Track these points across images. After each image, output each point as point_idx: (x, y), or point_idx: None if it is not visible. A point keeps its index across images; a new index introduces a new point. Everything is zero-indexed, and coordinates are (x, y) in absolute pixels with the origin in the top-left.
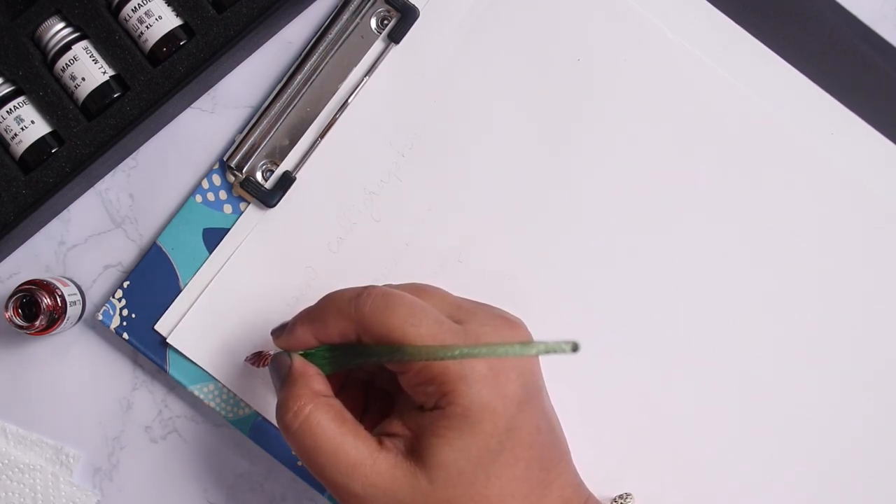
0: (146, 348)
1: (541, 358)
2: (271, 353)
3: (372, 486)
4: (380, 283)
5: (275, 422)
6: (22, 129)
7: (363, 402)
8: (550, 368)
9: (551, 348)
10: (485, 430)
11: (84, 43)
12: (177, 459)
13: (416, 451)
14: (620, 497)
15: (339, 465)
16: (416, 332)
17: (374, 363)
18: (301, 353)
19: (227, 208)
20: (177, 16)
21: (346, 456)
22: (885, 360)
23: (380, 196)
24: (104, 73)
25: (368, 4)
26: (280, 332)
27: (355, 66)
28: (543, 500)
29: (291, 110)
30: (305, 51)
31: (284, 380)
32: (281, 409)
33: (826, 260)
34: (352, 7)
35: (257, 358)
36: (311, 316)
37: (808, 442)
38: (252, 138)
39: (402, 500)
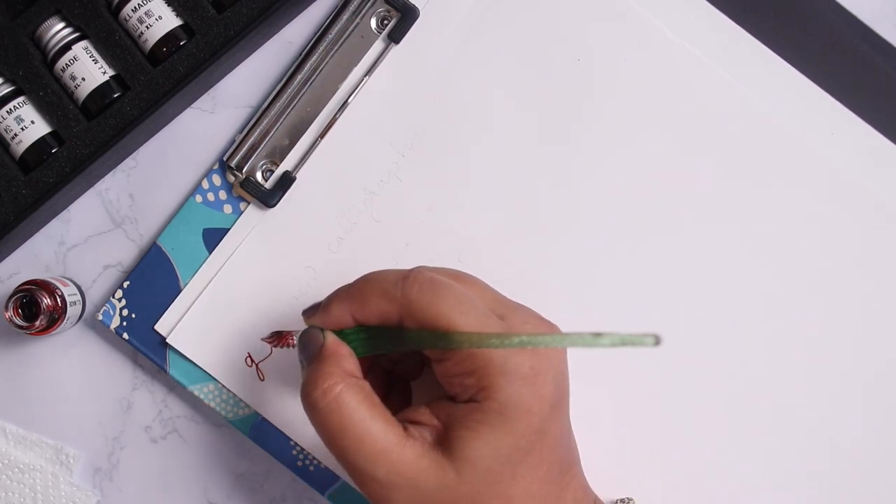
0: (146, 348)
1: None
2: (293, 332)
3: (396, 474)
4: None
5: (275, 422)
6: (22, 129)
7: (385, 390)
8: None
9: (629, 340)
10: (518, 428)
11: (84, 43)
12: (177, 459)
13: (444, 443)
14: (623, 501)
15: (365, 449)
16: (465, 320)
17: (412, 349)
18: (335, 332)
19: (227, 208)
20: (177, 16)
21: (373, 441)
22: (885, 360)
23: (380, 196)
24: (104, 73)
25: (368, 4)
26: (313, 311)
27: (355, 66)
28: (559, 501)
29: (291, 110)
30: (305, 51)
31: (314, 356)
32: (308, 385)
33: (826, 260)
34: (352, 7)
35: (277, 338)
36: (350, 294)
37: (808, 442)
38: (252, 138)
39: (426, 490)
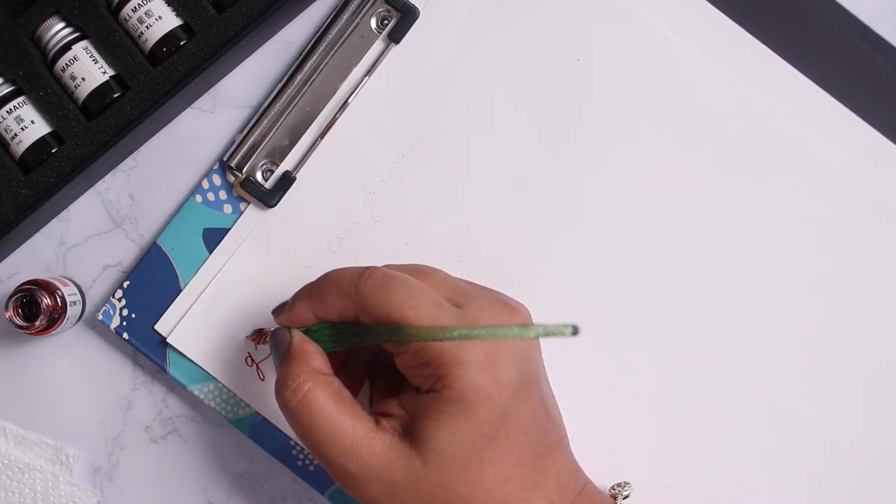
0: (146, 348)
1: (542, 347)
2: (272, 330)
3: (367, 467)
4: None
5: (275, 422)
6: (22, 129)
7: (364, 381)
8: (549, 360)
9: (550, 331)
10: (479, 415)
11: (84, 43)
12: (177, 459)
13: (411, 433)
14: (619, 485)
15: (336, 444)
16: (415, 314)
17: (373, 343)
18: (302, 329)
19: (227, 208)
20: (177, 16)
21: (342, 435)
22: (885, 360)
23: (380, 196)
24: (104, 73)
25: (368, 4)
26: (280, 310)
27: (355, 66)
28: (538, 485)
29: (291, 110)
30: (305, 51)
31: (283, 356)
32: (279, 385)
33: (826, 260)
34: (352, 7)
35: (258, 335)
36: (311, 293)
37: (808, 442)
38: (252, 138)
39: (397, 481)
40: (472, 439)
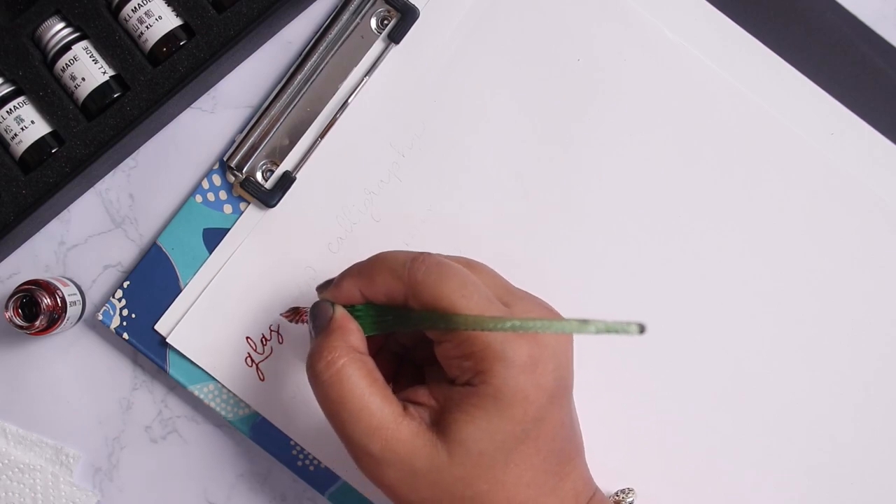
0: (146, 348)
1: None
2: (314, 302)
3: (390, 451)
4: None
5: (275, 422)
6: (22, 129)
7: (394, 374)
8: None
9: (613, 328)
10: (514, 415)
11: (84, 43)
12: (177, 459)
13: (439, 424)
14: (622, 491)
15: (362, 423)
16: (466, 304)
17: (417, 329)
18: (346, 308)
19: (227, 208)
20: (177, 16)
21: (369, 416)
22: (884, 359)
23: (380, 196)
24: (104, 73)
25: (368, 4)
26: (326, 285)
27: (355, 66)
28: (556, 491)
29: (291, 110)
30: (305, 51)
31: (322, 328)
32: (313, 356)
33: (826, 260)
34: (352, 7)
35: (294, 314)
36: (360, 272)
37: (808, 441)
38: (252, 138)
39: (418, 469)
40: (501, 438)
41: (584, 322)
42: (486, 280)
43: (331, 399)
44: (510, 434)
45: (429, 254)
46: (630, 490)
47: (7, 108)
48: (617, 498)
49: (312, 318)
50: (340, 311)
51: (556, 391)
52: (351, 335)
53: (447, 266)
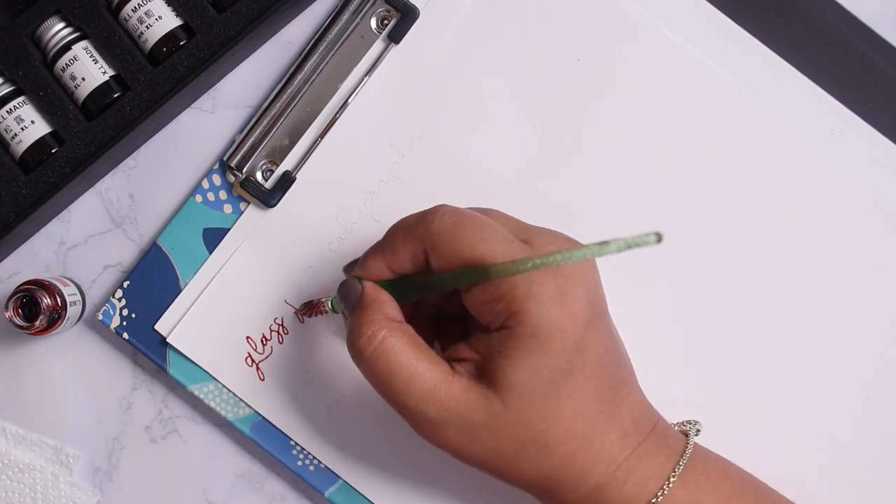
0: (146, 348)
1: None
2: (323, 300)
3: (447, 412)
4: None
5: (275, 422)
6: (22, 129)
7: (432, 335)
8: None
9: (632, 243)
10: (554, 349)
11: (84, 43)
12: (177, 459)
13: (486, 374)
14: (688, 422)
15: (414, 390)
16: (487, 246)
17: (445, 289)
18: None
19: (227, 208)
20: (177, 16)
21: (420, 381)
22: (884, 359)
23: (380, 196)
24: (104, 73)
25: (368, 4)
26: (352, 266)
27: (355, 66)
28: (613, 419)
29: (291, 110)
30: (305, 51)
31: (356, 305)
32: (354, 334)
33: (826, 259)
34: (352, 7)
35: (308, 307)
36: (380, 245)
37: (808, 441)
38: (252, 138)
39: (477, 422)
40: (548, 374)
41: (604, 244)
42: (502, 221)
43: (379, 372)
44: (555, 368)
45: (442, 205)
46: (696, 421)
47: (7, 108)
48: (684, 428)
49: (343, 296)
50: (370, 285)
51: (591, 317)
52: (386, 306)
53: (462, 213)
